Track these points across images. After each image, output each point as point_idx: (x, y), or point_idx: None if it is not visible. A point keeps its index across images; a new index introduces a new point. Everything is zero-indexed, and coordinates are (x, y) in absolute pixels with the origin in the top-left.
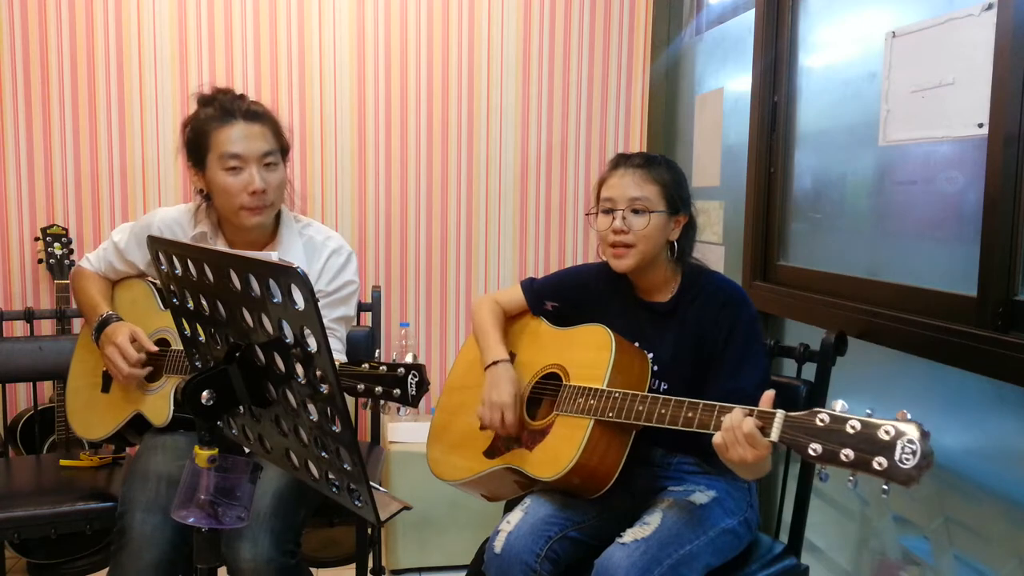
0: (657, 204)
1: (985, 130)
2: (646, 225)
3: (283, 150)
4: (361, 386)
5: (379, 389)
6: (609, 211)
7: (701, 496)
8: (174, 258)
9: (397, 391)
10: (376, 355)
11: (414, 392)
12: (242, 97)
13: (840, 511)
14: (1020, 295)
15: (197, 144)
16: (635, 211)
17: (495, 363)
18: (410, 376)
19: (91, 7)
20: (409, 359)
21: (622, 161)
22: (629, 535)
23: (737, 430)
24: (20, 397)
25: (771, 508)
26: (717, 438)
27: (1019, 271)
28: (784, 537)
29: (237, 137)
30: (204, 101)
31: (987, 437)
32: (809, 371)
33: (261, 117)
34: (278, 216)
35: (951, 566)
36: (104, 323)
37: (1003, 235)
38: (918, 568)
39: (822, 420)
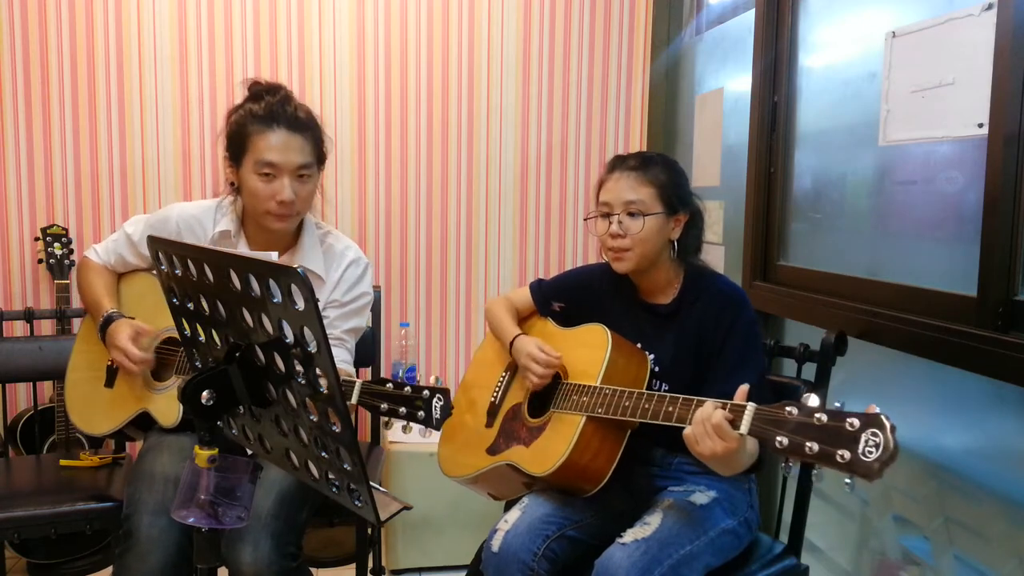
0: (653, 206)
1: (985, 130)
2: (641, 228)
3: (320, 160)
4: (384, 406)
5: (403, 410)
6: (607, 215)
7: (701, 496)
8: (174, 258)
9: (421, 413)
10: (390, 368)
11: (439, 416)
12: (289, 100)
13: (840, 511)
14: (1020, 295)
15: (237, 140)
16: (630, 214)
17: (513, 340)
18: (435, 399)
19: (91, 7)
20: (433, 381)
21: (618, 164)
22: (629, 535)
23: (707, 422)
24: (20, 397)
25: (771, 508)
26: (687, 431)
27: (1019, 271)
28: (784, 537)
29: (276, 145)
30: (253, 96)
31: (987, 437)
32: (809, 371)
33: (304, 128)
34: (301, 221)
35: (951, 566)
36: (107, 322)
37: (1003, 235)
38: (918, 568)
39: (790, 412)
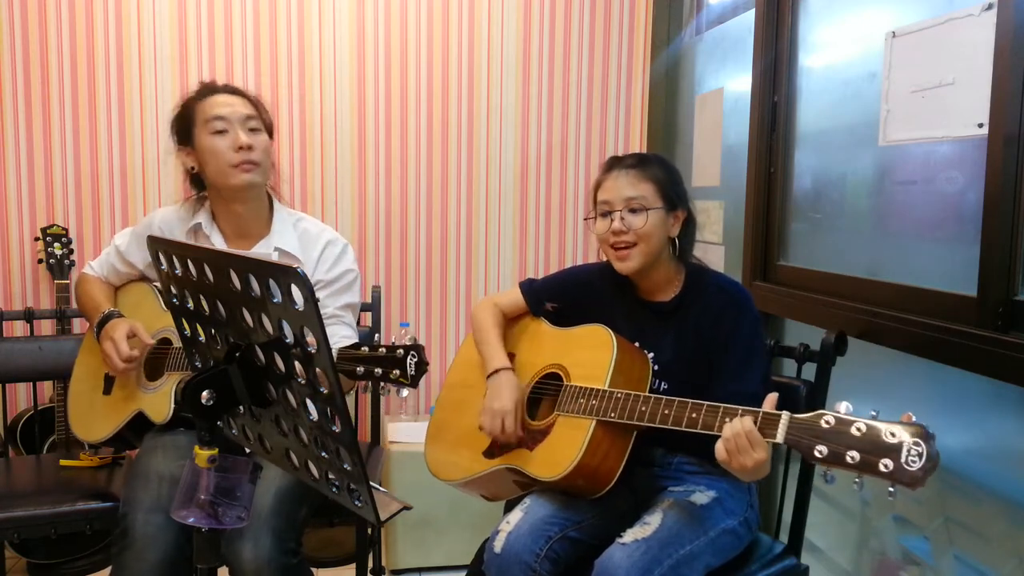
0: (654, 201)
1: (985, 130)
2: (645, 223)
3: (266, 124)
4: (360, 368)
5: (378, 371)
6: (606, 213)
7: (701, 496)
8: (174, 258)
9: (396, 372)
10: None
11: (413, 372)
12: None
13: (840, 511)
14: (1020, 295)
15: (184, 122)
16: (632, 210)
17: (496, 371)
18: (409, 356)
19: (91, 7)
20: (408, 341)
21: (615, 163)
22: (629, 535)
23: (739, 437)
24: (20, 397)
25: (771, 508)
26: (719, 445)
27: (1019, 271)
28: (784, 537)
29: (220, 103)
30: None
31: (987, 437)
32: (809, 371)
33: (242, 93)
34: (271, 207)
35: (951, 566)
36: (105, 319)
37: (1003, 235)
38: (918, 568)
39: (827, 422)
